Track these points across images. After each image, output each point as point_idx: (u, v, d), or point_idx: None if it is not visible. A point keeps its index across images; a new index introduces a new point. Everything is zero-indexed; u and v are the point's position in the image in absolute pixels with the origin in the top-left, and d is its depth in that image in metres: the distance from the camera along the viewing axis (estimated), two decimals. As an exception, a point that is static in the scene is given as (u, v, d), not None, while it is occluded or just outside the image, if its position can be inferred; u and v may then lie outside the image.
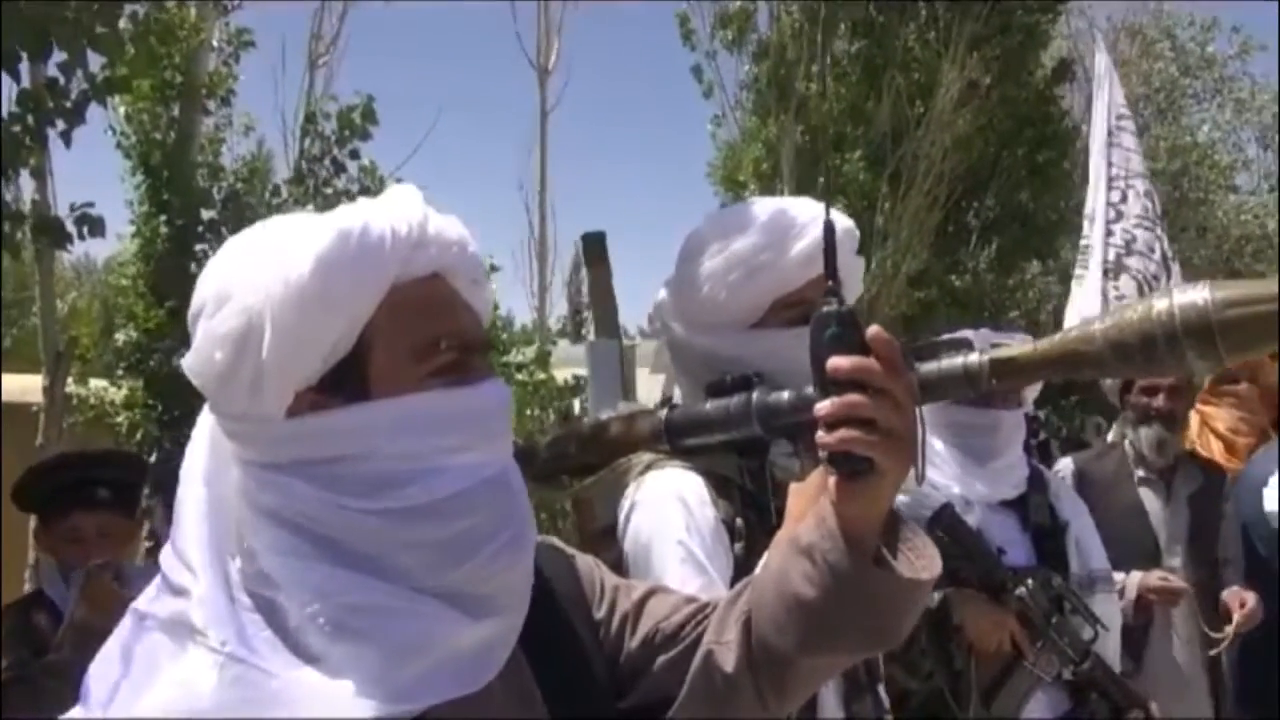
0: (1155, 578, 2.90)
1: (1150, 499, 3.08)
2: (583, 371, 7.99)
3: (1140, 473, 3.10)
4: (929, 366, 1.02)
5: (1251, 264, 15.08)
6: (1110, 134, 4.65)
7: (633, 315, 11.53)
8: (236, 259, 0.90)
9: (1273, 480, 3.08)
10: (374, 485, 0.86)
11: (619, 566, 1.36)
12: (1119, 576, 2.69)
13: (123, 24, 3.75)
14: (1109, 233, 4.49)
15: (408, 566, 0.86)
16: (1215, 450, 3.54)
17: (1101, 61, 4.98)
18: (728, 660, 0.97)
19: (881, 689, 1.55)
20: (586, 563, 1.10)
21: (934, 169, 9.18)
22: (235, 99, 8.94)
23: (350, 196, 7.61)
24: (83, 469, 2.37)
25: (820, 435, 0.89)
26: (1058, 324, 10.41)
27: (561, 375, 8.30)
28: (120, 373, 8.06)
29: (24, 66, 3.47)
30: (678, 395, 1.62)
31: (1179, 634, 2.97)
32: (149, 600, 0.89)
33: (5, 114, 3.58)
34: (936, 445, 2.34)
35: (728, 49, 10.12)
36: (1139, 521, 3.03)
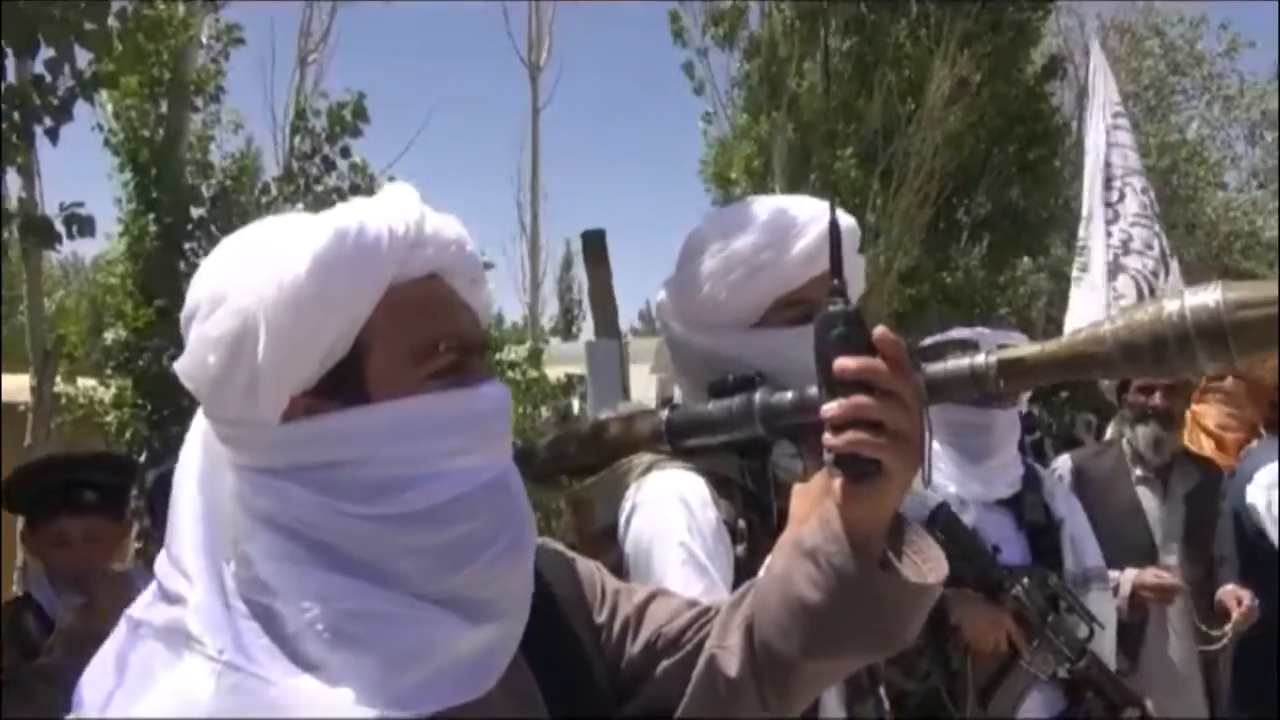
0: (1150, 575, 2.91)
1: (1147, 497, 3.09)
2: (575, 370, 7.99)
3: (1138, 471, 3.11)
4: (935, 367, 1.02)
5: (1240, 261, 15.16)
6: (1108, 133, 4.65)
7: (625, 312, 11.53)
8: (230, 260, 0.89)
9: (1257, 475, 3.09)
10: (372, 490, 0.85)
11: (619, 568, 1.35)
12: (1114, 574, 2.70)
13: (111, 21, 3.71)
14: (1107, 234, 4.50)
15: (407, 572, 0.85)
16: (1206, 447, 3.56)
17: (1096, 59, 4.98)
18: (731, 665, 0.96)
19: (882, 691, 1.55)
20: (587, 566, 1.09)
21: (925, 166, 9.22)
22: (224, 95, 8.88)
23: (341, 194, 7.63)
24: (69, 471, 2.33)
25: (827, 437, 0.88)
26: (1048, 320, 10.49)
27: (554, 374, 8.29)
28: (109, 372, 8.01)
29: (10, 63, 3.44)
30: (678, 395, 1.61)
31: (1175, 632, 2.98)
32: (143, 607, 0.88)
33: (-9, 111, 3.54)
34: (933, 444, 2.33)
35: (719, 46, 10.13)
36: (1136, 519, 3.05)
